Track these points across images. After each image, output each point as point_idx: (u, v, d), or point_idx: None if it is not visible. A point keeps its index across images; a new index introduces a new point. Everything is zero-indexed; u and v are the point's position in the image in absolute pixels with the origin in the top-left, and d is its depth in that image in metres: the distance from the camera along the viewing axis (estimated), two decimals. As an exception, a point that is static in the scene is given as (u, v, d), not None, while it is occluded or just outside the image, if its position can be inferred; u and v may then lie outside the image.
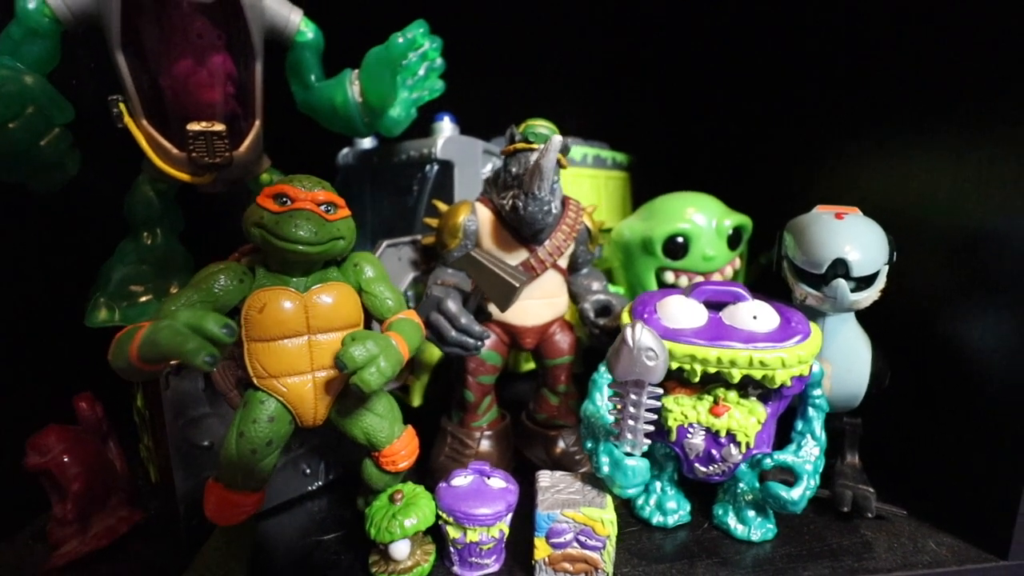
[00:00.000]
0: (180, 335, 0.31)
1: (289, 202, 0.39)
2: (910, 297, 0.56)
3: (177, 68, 0.46)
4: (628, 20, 0.90)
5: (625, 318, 0.48)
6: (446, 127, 0.62)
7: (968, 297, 0.53)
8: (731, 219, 0.62)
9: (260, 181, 0.54)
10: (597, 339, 0.53)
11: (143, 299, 0.49)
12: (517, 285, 0.44)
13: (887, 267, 0.46)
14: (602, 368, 0.49)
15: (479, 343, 0.47)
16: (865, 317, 0.50)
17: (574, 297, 0.56)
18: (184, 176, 0.47)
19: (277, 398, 0.40)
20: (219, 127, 0.46)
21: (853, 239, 0.44)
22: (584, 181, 0.78)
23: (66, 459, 0.43)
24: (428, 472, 0.53)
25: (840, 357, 0.50)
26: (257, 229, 0.38)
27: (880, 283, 0.45)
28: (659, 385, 0.42)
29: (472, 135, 0.74)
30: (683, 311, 0.45)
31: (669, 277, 0.63)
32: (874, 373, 0.50)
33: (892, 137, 0.59)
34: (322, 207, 0.40)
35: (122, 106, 0.46)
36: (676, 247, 0.61)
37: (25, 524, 0.48)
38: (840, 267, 0.43)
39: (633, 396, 0.40)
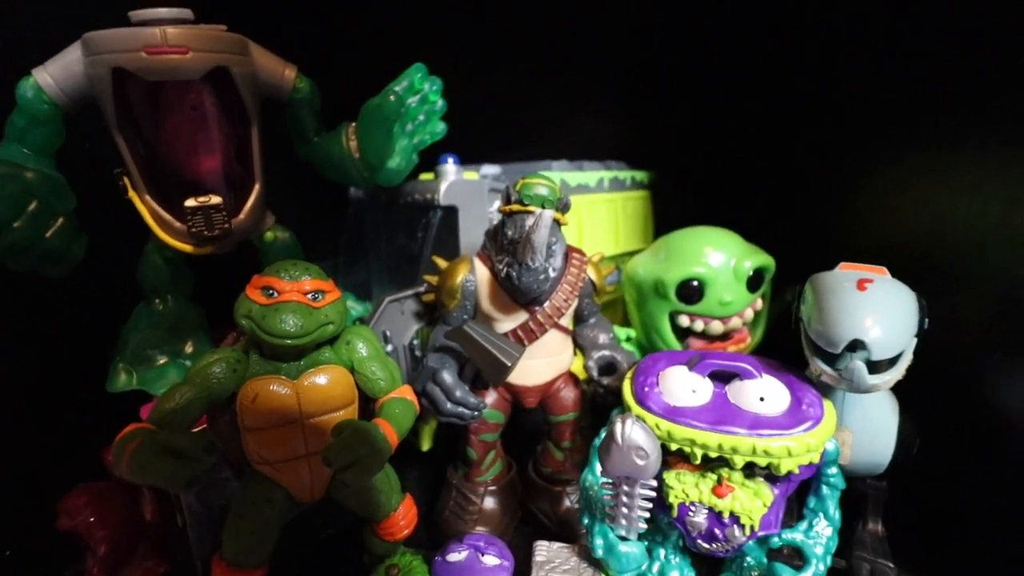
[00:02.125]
0: (157, 462, 0.32)
1: (276, 294, 0.39)
2: (946, 353, 0.52)
3: (174, 141, 0.47)
4: (652, 31, 0.84)
5: (626, 389, 0.46)
6: (450, 170, 0.60)
7: (1014, 357, 0.48)
8: (751, 260, 0.58)
9: (265, 240, 0.54)
10: (602, 398, 0.52)
11: (159, 362, 0.51)
12: (509, 364, 0.43)
13: (915, 341, 0.42)
14: (603, 434, 0.48)
15: (475, 413, 0.46)
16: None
17: (580, 350, 0.55)
18: (187, 248, 0.48)
19: (274, 480, 0.41)
20: (216, 200, 0.47)
21: (875, 316, 0.40)
22: (600, 207, 0.75)
23: (92, 520, 0.47)
24: (433, 524, 0.54)
25: (862, 426, 0.47)
26: (246, 321, 0.39)
27: (905, 362, 0.41)
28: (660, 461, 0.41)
29: (481, 160, 0.73)
30: (685, 387, 0.43)
31: (684, 321, 0.60)
32: (900, 441, 0.47)
33: (934, 168, 0.54)
34: (309, 295, 0.40)
35: (125, 180, 0.47)
36: (691, 291, 0.58)
37: (64, 569, 0.52)
38: (858, 348, 0.40)
39: (626, 488, 0.39)
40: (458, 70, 0.64)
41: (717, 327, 0.59)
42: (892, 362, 0.41)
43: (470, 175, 0.65)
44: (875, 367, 0.40)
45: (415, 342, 0.58)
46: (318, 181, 0.59)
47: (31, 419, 0.52)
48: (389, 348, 0.55)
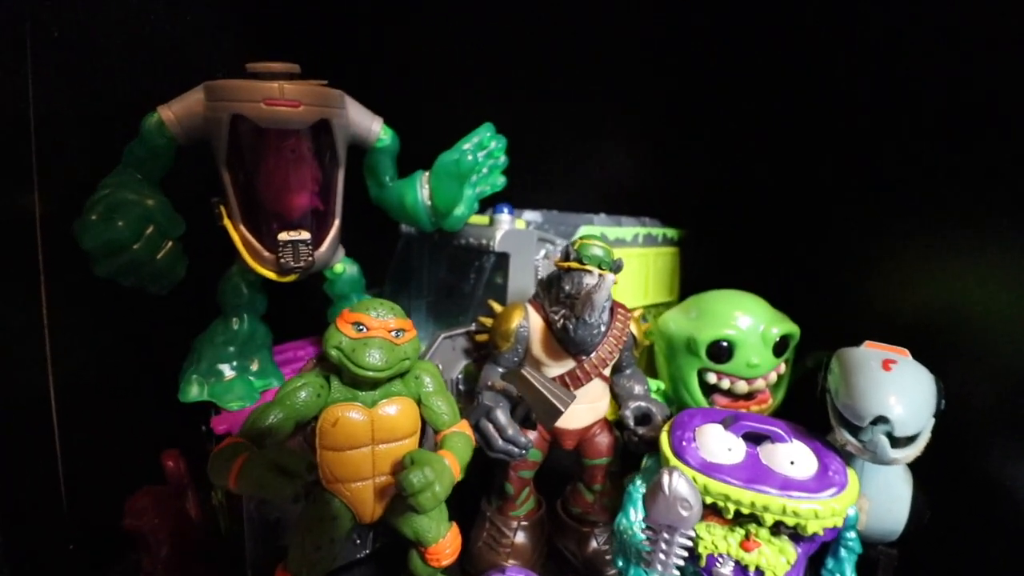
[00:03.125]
0: (270, 477, 0.35)
1: (364, 329, 0.43)
2: (961, 428, 0.55)
3: (272, 179, 0.52)
4: (689, 90, 0.91)
5: (664, 441, 0.50)
6: (505, 219, 0.65)
7: (1015, 437, 0.52)
8: (779, 327, 0.63)
9: (335, 271, 0.59)
10: (636, 446, 0.55)
11: (228, 376, 0.55)
12: (563, 409, 0.47)
13: (933, 420, 0.46)
14: (638, 481, 0.51)
15: (523, 452, 0.50)
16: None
17: (616, 398, 0.59)
18: (272, 275, 0.53)
19: (341, 500, 0.44)
20: (305, 235, 0.52)
21: (899, 395, 0.44)
22: (633, 261, 0.80)
23: (157, 521, 0.50)
24: (465, 553, 0.57)
25: (878, 495, 0.51)
26: (336, 352, 0.43)
27: (924, 440, 0.45)
28: None
29: (522, 207, 0.78)
30: (721, 445, 0.47)
31: (711, 378, 0.64)
32: (913, 512, 0.51)
33: (957, 246, 0.57)
34: (392, 333, 0.44)
35: (222, 208, 0.52)
36: (720, 351, 0.63)
37: (116, 561, 0.55)
38: (882, 424, 0.44)
39: (666, 535, 0.42)
40: (504, 121, 0.69)
41: (742, 387, 0.64)
42: (912, 439, 0.45)
43: (519, 223, 0.71)
44: (896, 442, 0.44)
45: (459, 376, 0.62)
46: (371, 214, 0.64)
47: (101, 419, 0.55)
48: (440, 382, 0.59)
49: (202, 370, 0.54)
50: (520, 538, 0.56)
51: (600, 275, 0.50)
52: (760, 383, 0.64)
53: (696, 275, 0.90)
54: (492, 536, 0.56)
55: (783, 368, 0.66)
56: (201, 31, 0.62)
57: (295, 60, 0.51)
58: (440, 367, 0.59)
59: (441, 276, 0.73)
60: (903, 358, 0.48)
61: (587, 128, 0.94)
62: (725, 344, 0.63)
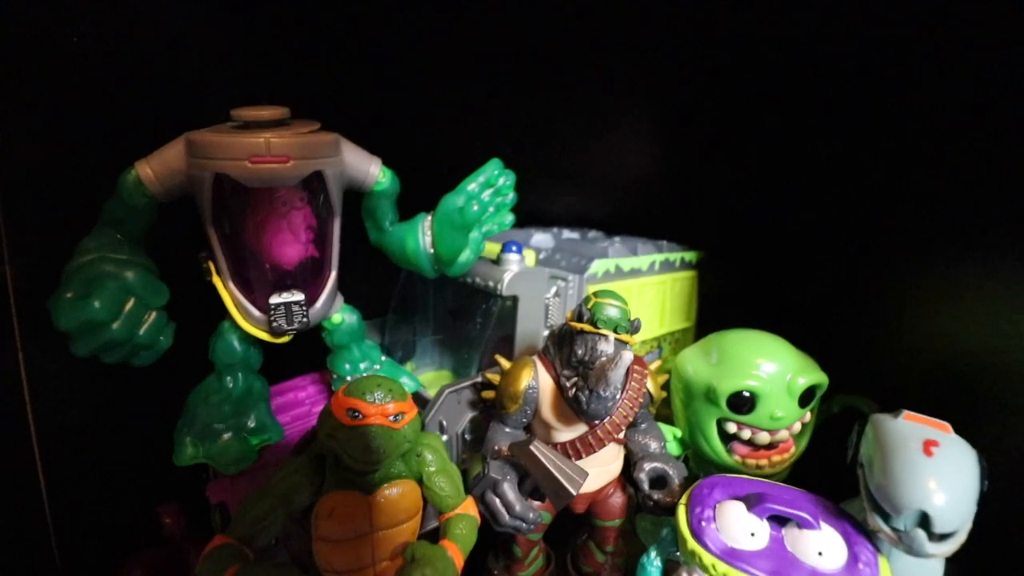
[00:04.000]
0: None
1: (361, 416, 0.40)
2: (1003, 499, 0.52)
3: (261, 233, 0.48)
4: (713, 100, 0.85)
5: (682, 519, 0.47)
6: (514, 260, 0.61)
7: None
8: (806, 377, 0.59)
9: (332, 322, 0.56)
10: (650, 511, 0.52)
11: (224, 437, 0.53)
12: (574, 492, 0.44)
13: (976, 508, 0.43)
14: (652, 554, 0.49)
15: (533, 526, 0.48)
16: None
17: (630, 455, 0.56)
18: (264, 335, 0.50)
19: (339, 586, 0.42)
20: (298, 296, 0.48)
21: (941, 487, 0.40)
22: (650, 289, 0.76)
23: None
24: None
25: (905, 571, 0.47)
26: (329, 440, 0.40)
27: (965, 532, 0.42)
28: None
29: (535, 217, 0.74)
30: (744, 529, 0.44)
31: (731, 428, 0.60)
32: (945, 590, 0.48)
33: (990, 283, 0.53)
34: (391, 418, 0.41)
35: (210, 264, 0.49)
36: (742, 403, 0.59)
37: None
38: (921, 519, 0.40)
39: (682, 636, 0.40)
40: (513, 132, 0.64)
41: (764, 438, 0.60)
42: (952, 532, 0.42)
43: (528, 255, 0.66)
44: (935, 536, 0.41)
45: (466, 427, 0.59)
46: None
47: (102, 481, 0.53)
48: (445, 438, 0.56)
49: (196, 431, 0.52)
50: (528, 600, 0.54)
51: (617, 342, 0.47)
52: (783, 434, 0.60)
53: (714, 298, 0.86)
54: (500, 598, 0.55)
55: (808, 417, 0.62)
56: (189, 61, 0.58)
57: (282, 60, 0.46)
58: (445, 424, 0.57)
59: (446, 313, 0.70)
60: (946, 437, 0.44)
61: (605, 134, 0.88)
62: (748, 395, 0.59)
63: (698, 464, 0.65)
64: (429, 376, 0.76)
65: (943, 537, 0.41)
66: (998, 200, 0.51)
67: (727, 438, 0.63)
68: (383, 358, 0.61)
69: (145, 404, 0.55)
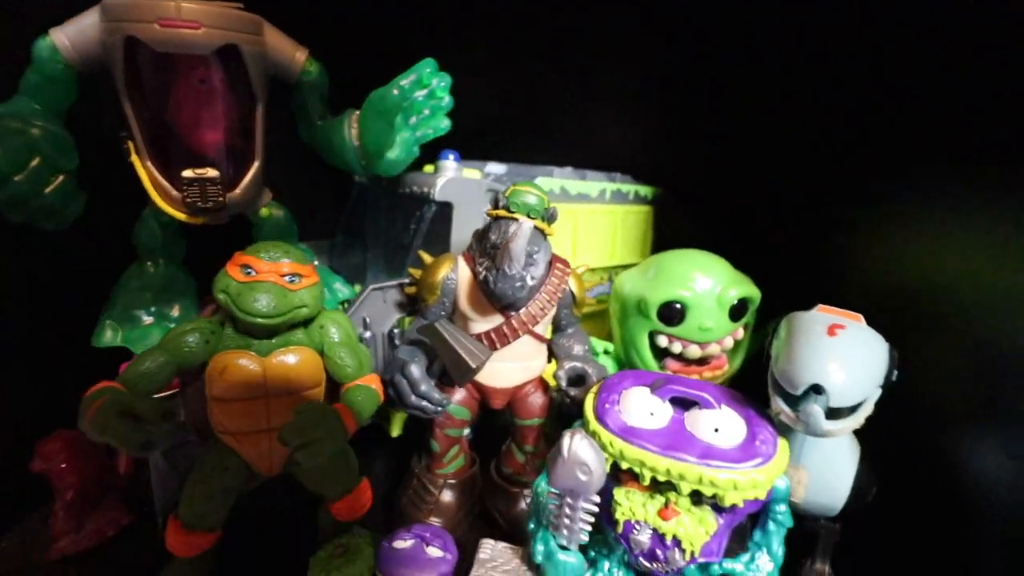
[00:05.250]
0: (116, 422, 0.33)
1: (253, 273, 0.40)
2: (924, 403, 0.52)
3: (180, 112, 0.48)
4: (675, 53, 0.84)
5: (588, 402, 0.46)
6: (449, 167, 0.61)
7: (980, 418, 0.48)
8: (737, 289, 0.58)
9: (260, 215, 0.56)
10: (568, 408, 0.52)
11: (145, 322, 0.53)
12: (474, 366, 0.44)
13: (880, 391, 0.42)
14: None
15: (438, 408, 0.47)
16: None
17: (555, 358, 0.55)
18: (181, 216, 0.50)
19: (234, 450, 0.42)
20: (213, 173, 0.48)
21: (839, 363, 0.40)
22: (598, 218, 0.75)
23: (64, 466, 0.49)
24: (393, 510, 0.55)
25: (818, 467, 0.47)
26: (223, 296, 0.40)
27: (865, 411, 0.41)
28: (612, 476, 0.42)
29: (488, 157, 0.73)
30: (644, 409, 0.44)
31: (662, 341, 0.60)
32: (856, 487, 0.47)
33: (927, 219, 0.54)
34: (286, 277, 0.41)
35: (129, 144, 0.49)
36: (672, 314, 0.58)
37: (37, 508, 0.55)
38: (817, 393, 0.40)
39: (569, 501, 0.39)
40: (473, 65, 0.64)
41: (695, 351, 0.59)
42: (852, 410, 0.41)
43: (472, 173, 0.66)
44: (834, 413, 0.40)
45: (396, 331, 0.59)
46: (323, 161, 0.61)
47: (22, 364, 0.54)
48: (368, 335, 0.56)
49: (116, 315, 0.52)
50: (446, 496, 0.54)
51: (527, 226, 0.46)
52: (715, 348, 0.60)
53: (669, 236, 0.85)
54: (417, 493, 0.55)
55: (741, 333, 0.61)
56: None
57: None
58: (368, 320, 0.57)
59: (392, 227, 0.70)
60: (854, 324, 0.43)
61: (570, 83, 0.88)
62: (677, 306, 0.58)
63: (634, 383, 0.64)
64: (378, 301, 0.76)
65: (842, 413, 0.41)
66: (933, 139, 0.52)
67: (660, 354, 0.62)
68: (315, 263, 0.61)
69: (72, 291, 0.56)
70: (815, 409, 0.40)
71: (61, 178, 0.44)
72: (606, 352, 0.65)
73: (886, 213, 0.59)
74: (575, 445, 0.37)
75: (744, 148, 0.79)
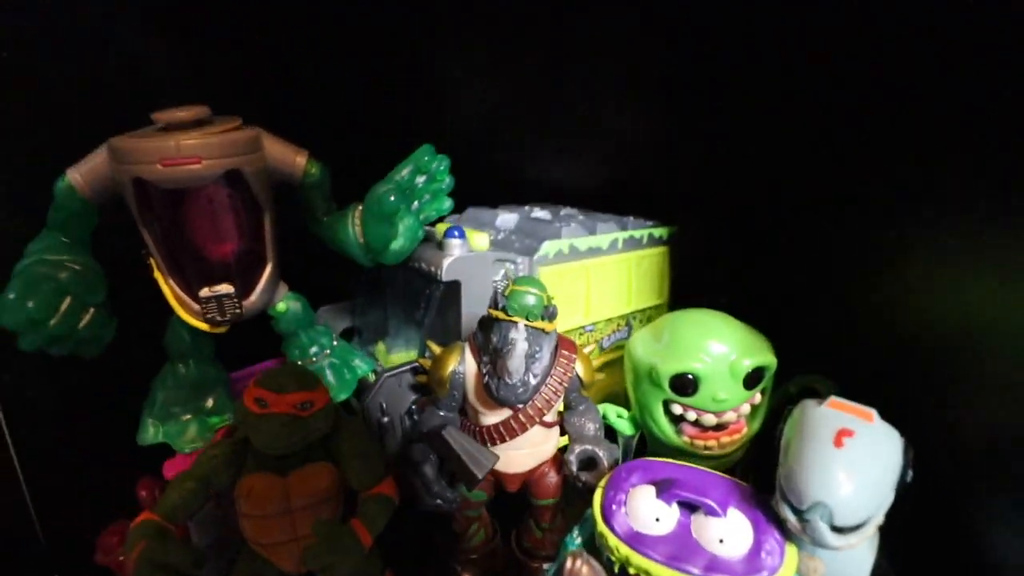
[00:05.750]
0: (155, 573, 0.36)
1: (267, 405, 0.42)
2: (941, 476, 0.50)
3: (191, 233, 0.50)
4: (685, 96, 0.81)
5: (596, 501, 0.47)
6: (455, 245, 0.61)
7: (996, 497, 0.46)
8: (752, 359, 0.57)
9: (277, 310, 0.58)
10: (579, 493, 0.53)
11: (183, 418, 0.57)
12: (479, 476, 0.46)
13: (894, 496, 0.41)
14: (575, 532, 0.50)
15: (452, 506, 0.49)
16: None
17: (567, 435, 0.56)
18: (203, 326, 0.53)
19: (265, 558, 0.46)
20: (228, 289, 0.51)
21: (847, 477, 0.39)
22: (611, 269, 0.74)
23: (122, 559, 0.54)
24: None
25: (835, 559, 0.46)
26: (243, 427, 0.43)
27: (875, 523, 0.40)
28: (623, 573, 0.43)
29: (486, 204, 0.74)
30: (650, 514, 0.44)
31: (677, 409, 0.60)
32: (874, 579, 0.46)
33: (973, 249, 0.50)
34: (297, 406, 0.43)
35: (152, 262, 0.52)
36: (685, 385, 0.58)
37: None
38: (823, 509, 0.39)
39: (575, 615, 0.41)
40: (474, 65, 0.63)
41: (710, 419, 0.59)
42: (861, 524, 0.40)
43: (480, 237, 0.66)
44: (840, 528, 0.40)
45: (414, 410, 0.61)
46: None
47: (76, 460, 0.59)
48: (386, 419, 0.58)
49: (156, 413, 0.56)
50: (469, 571, 0.57)
51: (530, 329, 0.47)
52: (731, 415, 0.59)
53: (688, 272, 0.84)
54: (442, 571, 0.57)
55: (758, 399, 0.60)
56: (125, 63, 0.60)
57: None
58: (385, 405, 0.59)
59: (402, 290, 0.72)
60: (864, 427, 0.42)
61: (596, 104, 0.86)
62: (690, 376, 0.58)
63: (652, 443, 0.65)
64: (400, 356, 0.78)
65: (843, 530, 0.40)
66: (950, 188, 0.50)
67: (675, 419, 0.62)
68: (335, 342, 0.63)
69: (116, 390, 0.60)
70: (820, 525, 0.39)
71: (92, 312, 0.48)
72: (619, 416, 0.65)
73: (917, 253, 0.55)
74: (577, 567, 0.39)
75: (763, 168, 0.76)
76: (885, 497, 0.40)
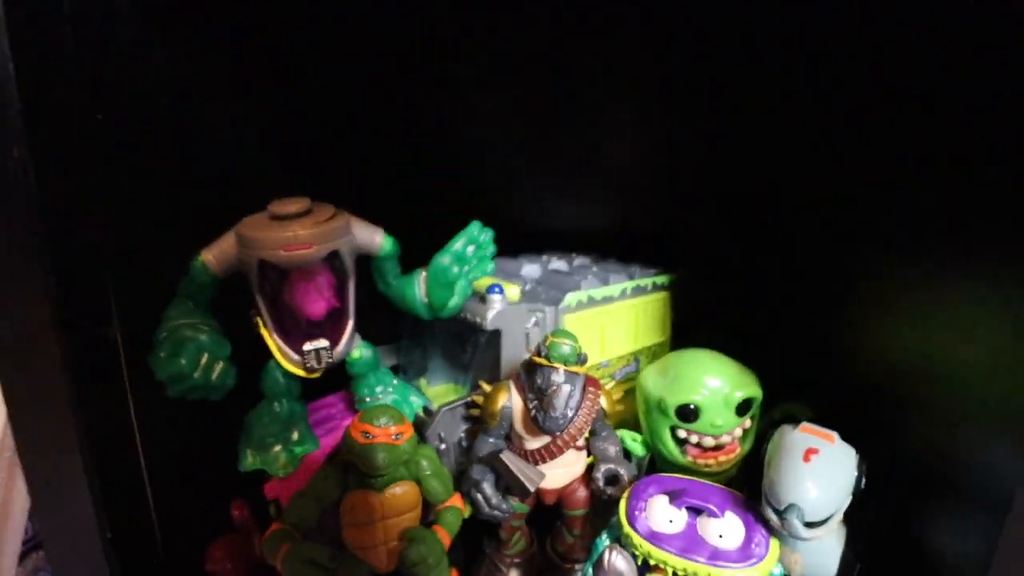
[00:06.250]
0: (304, 568, 0.49)
1: (371, 436, 0.55)
2: (890, 495, 0.62)
3: (296, 297, 0.63)
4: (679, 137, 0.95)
5: (622, 508, 0.60)
6: (496, 300, 0.74)
7: (943, 505, 0.59)
8: (742, 391, 0.70)
9: (353, 357, 0.71)
10: (605, 504, 0.66)
11: (275, 448, 0.69)
12: (532, 490, 0.58)
13: (851, 498, 0.54)
14: (604, 534, 0.62)
15: (507, 516, 0.62)
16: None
17: (593, 456, 0.69)
18: (301, 373, 0.65)
19: (362, 559, 0.58)
20: (324, 343, 0.64)
21: (812, 485, 0.52)
22: (621, 314, 0.87)
23: (230, 566, 0.65)
24: (466, 579, 0.70)
25: (810, 550, 0.59)
26: (350, 454, 0.55)
27: (837, 519, 0.53)
28: (644, 565, 0.55)
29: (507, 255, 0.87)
30: (665, 517, 0.57)
31: (681, 434, 0.73)
32: (842, 566, 0.59)
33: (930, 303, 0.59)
34: (393, 436, 0.56)
35: (258, 320, 0.64)
36: (688, 413, 0.71)
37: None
38: (796, 509, 0.52)
39: (611, 597, 0.53)
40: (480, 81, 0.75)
41: (709, 441, 0.72)
42: (825, 520, 0.53)
43: (512, 289, 0.79)
44: (810, 523, 0.53)
45: (463, 438, 0.73)
46: None
47: (188, 485, 0.71)
48: (443, 446, 0.71)
49: (253, 444, 0.68)
50: (513, 573, 0.69)
51: (567, 373, 0.60)
52: (726, 438, 0.72)
53: (684, 315, 0.97)
54: (490, 571, 0.69)
55: (748, 423, 0.74)
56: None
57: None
58: (442, 435, 0.71)
59: (450, 337, 0.85)
60: (827, 446, 0.56)
61: (590, 151, 0.98)
62: (692, 407, 0.71)
63: (661, 462, 0.77)
64: (439, 389, 0.91)
65: (812, 524, 0.53)
66: (932, 218, 0.57)
67: (680, 442, 0.75)
68: (395, 381, 0.76)
69: (222, 426, 0.72)
70: (794, 521, 0.52)
71: (221, 365, 0.60)
72: (633, 440, 0.78)
73: (888, 291, 0.65)
74: (614, 559, 0.51)
75: (744, 238, 0.91)
76: (843, 499, 0.53)
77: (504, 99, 0.96)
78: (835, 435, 0.57)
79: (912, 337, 0.64)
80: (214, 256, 0.60)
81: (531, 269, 0.92)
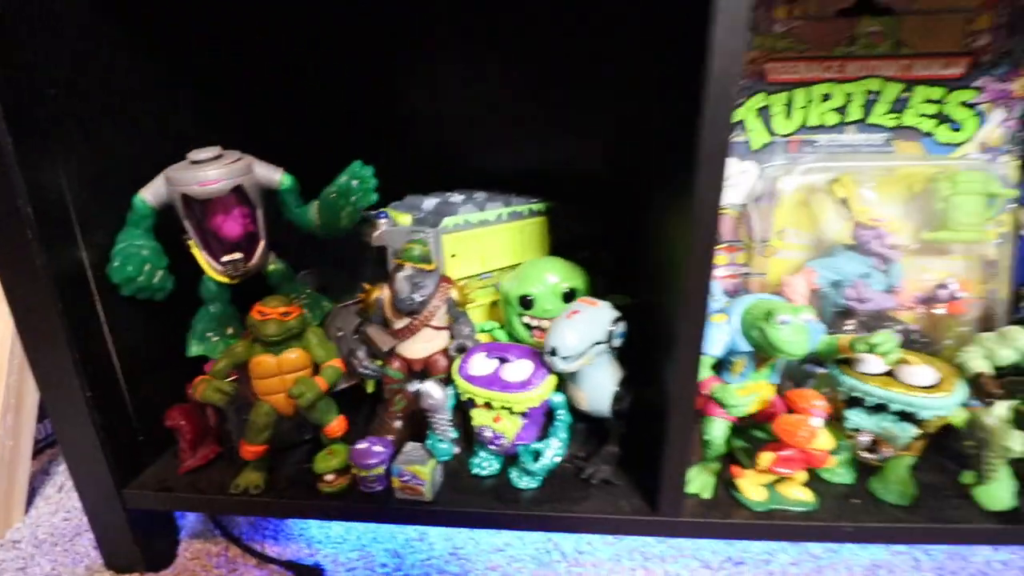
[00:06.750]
0: (213, 394, 0.72)
1: (265, 315, 0.77)
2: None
3: (215, 221, 0.85)
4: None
5: (456, 364, 0.82)
6: (381, 223, 0.96)
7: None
8: (568, 283, 0.92)
9: (268, 270, 0.93)
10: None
11: (214, 339, 0.92)
12: (385, 350, 0.81)
13: (605, 344, 0.76)
14: (450, 389, 0.85)
15: (376, 374, 0.85)
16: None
17: (452, 336, 0.91)
18: (224, 280, 0.88)
19: (267, 403, 0.81)
20: (239, 256, 0.86)
21: (567, 334, 0.74)
22: (500, 235, 1.07)
23: (183, 423, 0.89)
24: (367, 432, 0.94)
25: (589, 388, 0.82)
26: (252, 328, 0.78)
27: (586, 358, 0.75)
28: (470, 403, 0.78)
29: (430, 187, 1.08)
30: (479, 365, 0.79)
31: (527, 320, 0.95)
32: (614, 398, 0.81)
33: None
34: (281, 314, 0.78)
35: (190, 242, 0.86)
36: (527, 302, 0.93)
37: (171, 446, 0.96)
38: (555, 350, 0.74)
39: (435, 416, 0.76)
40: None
41: (546, 324, 0.94)
42: (578, 356, 0.75)
43: (404, 217, 1.00)
44: (566, 359, 0.75)
45: (355, 327, 0.96)
46: None
47: (150, 367, 0.94)
48: (340, 334, 0.93)
49: (197, 336, 0.92)
50: (396, 424, 0.92)
51: (413, 269, 0.82)
52: (556, 321, 0.94)
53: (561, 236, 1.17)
54: (381, 423, 0.93)
55: (574, 310, 0.95)
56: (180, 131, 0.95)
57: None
58: (340, 326, 0.94)
59: (351, 261, 1.07)
60: (589, 309, 0.77)
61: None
62: (529, 297, 0.93)
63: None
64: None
65: (567, 359, 0.75)
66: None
67: (529, 328, 0.97)
68: (308, 291, 0.98)
69: (176, 327, 0.95)
70: (555, 359, 0.74)
71: (160, 272, 0.83)
72: (492, 328, 1.00)
73: None
74: (425, 387, 0.74)
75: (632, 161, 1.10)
76: (591, 343, 0.75)
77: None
78: (602, 303, 0.79)
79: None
80: (149, 194, 0.82)
81: (430, 202, 1.12)
